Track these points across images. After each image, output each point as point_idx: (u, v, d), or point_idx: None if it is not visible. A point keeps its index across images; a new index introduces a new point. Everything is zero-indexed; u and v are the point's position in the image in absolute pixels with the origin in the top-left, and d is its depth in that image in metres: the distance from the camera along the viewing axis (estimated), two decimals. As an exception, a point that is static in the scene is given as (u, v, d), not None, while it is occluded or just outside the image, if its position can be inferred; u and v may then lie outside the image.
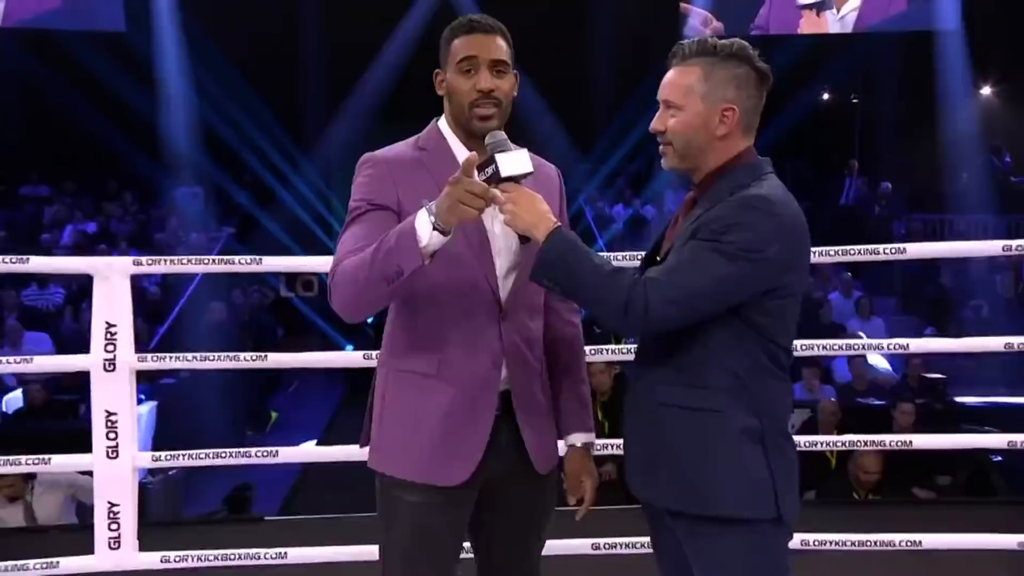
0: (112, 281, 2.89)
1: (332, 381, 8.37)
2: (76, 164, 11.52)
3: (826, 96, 13.89)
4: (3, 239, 9.40)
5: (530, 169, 1.59)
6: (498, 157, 1.57)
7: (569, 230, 1.64)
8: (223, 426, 6.83)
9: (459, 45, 1.72)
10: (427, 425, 1.68)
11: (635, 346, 1.75)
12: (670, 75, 1.63)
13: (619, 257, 2.75)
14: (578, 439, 1.87)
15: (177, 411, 6.48)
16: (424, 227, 1.55)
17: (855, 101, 13.55)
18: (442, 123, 1.78)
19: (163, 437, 5.89)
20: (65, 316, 8.37)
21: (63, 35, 9.75)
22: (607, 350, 3.13)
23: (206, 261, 2.98)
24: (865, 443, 3.30)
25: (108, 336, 2.90)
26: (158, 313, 8.34)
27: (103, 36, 9.77)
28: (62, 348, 7.19)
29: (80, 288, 8.51)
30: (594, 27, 11.79)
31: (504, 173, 1.56)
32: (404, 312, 1.73)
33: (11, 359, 3.01)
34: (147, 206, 11.06)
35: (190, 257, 3.01)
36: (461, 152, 1.73)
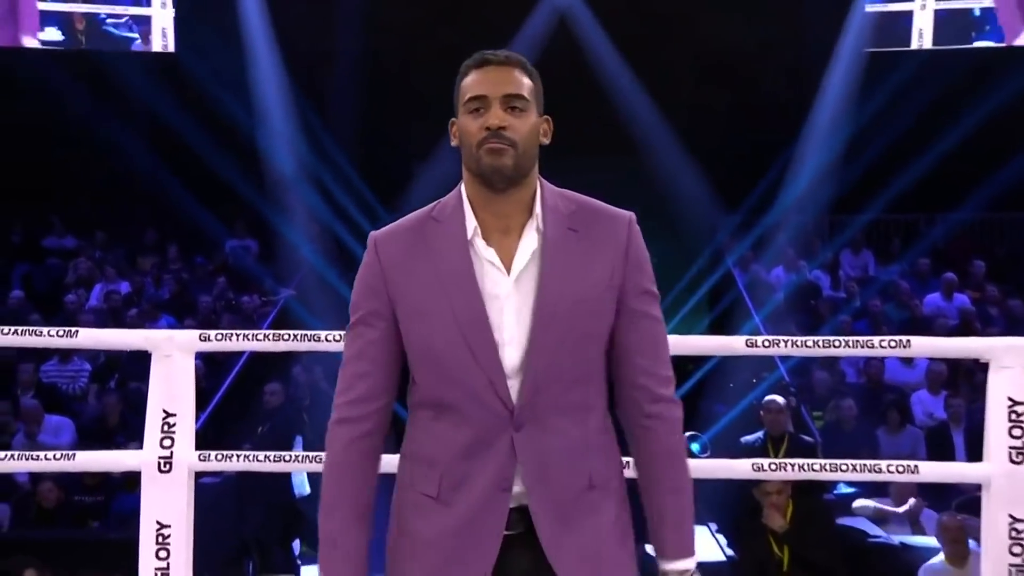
0: (174, 360, 2.97)
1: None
2: (108, 207, 12.09)
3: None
4: (20, 300, 9.83)
5: None
6: None
7: None
8: (273, 538, 6.83)
9: (468, 83, 1.87)
10: (426, 554, 1.84)
11: None
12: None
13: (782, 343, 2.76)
14: (669, 569, 1.89)
15: (218, 523, 6.49)
16: None
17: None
18: (462, 187, 1.92)
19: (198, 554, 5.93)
20: (89, 397, 8.66)
21: (104, 53, 10.43)
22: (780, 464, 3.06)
23: (286, 337, 3.02)
24: None
25: (165, 428, 2.98)
26: (199, 394, 8.55)
27: (155, 57, 10.41)
28: (82, 436, 7.39)
29: (107, 363, 8.82)
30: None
31: None
32: (412, 419, 1.92)
33: (50, 454, 3.11)
34: (190, 262, 11.48)
35: (268, 332, 3.07)
36: (470, 218, 1.86)
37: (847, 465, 3.09)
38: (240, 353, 9.04)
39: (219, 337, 3.05)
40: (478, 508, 1.80)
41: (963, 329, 8.88)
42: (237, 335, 3.03)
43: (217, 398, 8.51)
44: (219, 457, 3.05)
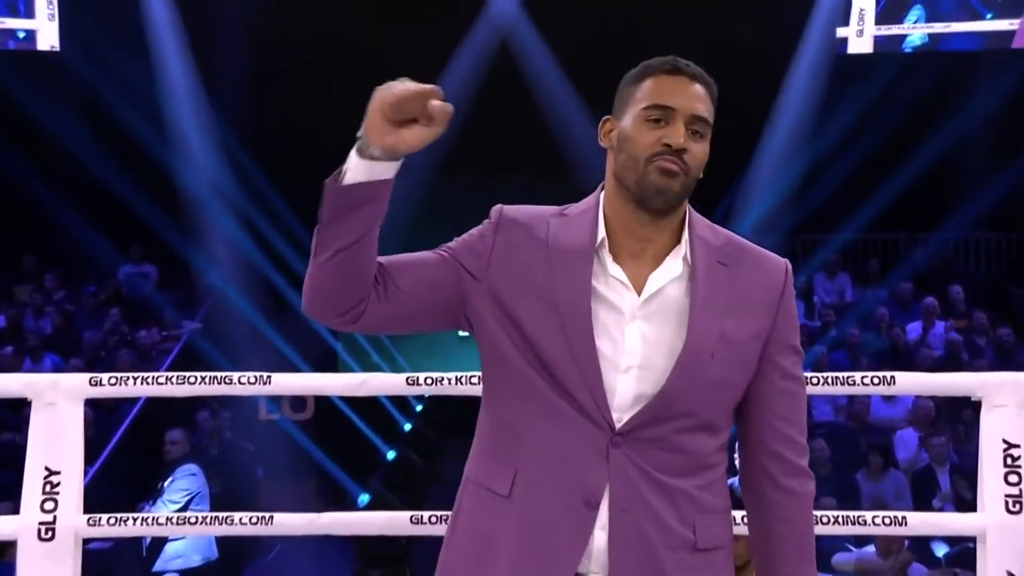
0: (58, 409, 2.90)
1: (335, 548, 8.23)
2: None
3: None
4: None
5: None
6: None
7: None
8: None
9: (652, 88, 1.87)
10: (495, 558, 1.82)
11: None
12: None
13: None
14: None
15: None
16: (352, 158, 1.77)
17: None
18: (601, 195, 1.94)
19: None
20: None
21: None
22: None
23: (191, 380, 2.96)
24: None
25: (47, 489, 2.90)
26: (88, 445, 8.38)
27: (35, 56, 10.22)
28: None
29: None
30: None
31: None
32: (490, 408, 1.92)
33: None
34: (76, 292, 11.28)
35: (170, 374, 3.00)
36: (600, 228, 1.88)
37: (828, 517, 3.10)
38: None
39: (112, 381, 2.97)
40: (557, 516, 1.79)
41: (949, 361, 9.05)
42: (134, 379, 2.96)
43: (108, 449, 8.36)
44: (111, 521, 2.97)
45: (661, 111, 1.84)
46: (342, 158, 1.79)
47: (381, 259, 1.86)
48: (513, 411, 1.85)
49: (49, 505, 2.86)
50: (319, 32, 11.03)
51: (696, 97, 1.85)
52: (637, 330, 1.83)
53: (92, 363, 9.46)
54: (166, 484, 7.48)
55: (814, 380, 3.36)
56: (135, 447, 8.45)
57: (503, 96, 10.73)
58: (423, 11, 11.05)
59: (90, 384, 2.94)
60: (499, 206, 1.95)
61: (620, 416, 1.80)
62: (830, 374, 3.20)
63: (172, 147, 11.15)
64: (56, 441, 2.88)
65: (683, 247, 1.88)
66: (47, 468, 2.87)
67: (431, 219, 8.74)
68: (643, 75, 1.88)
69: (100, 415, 8.59)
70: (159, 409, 8.51)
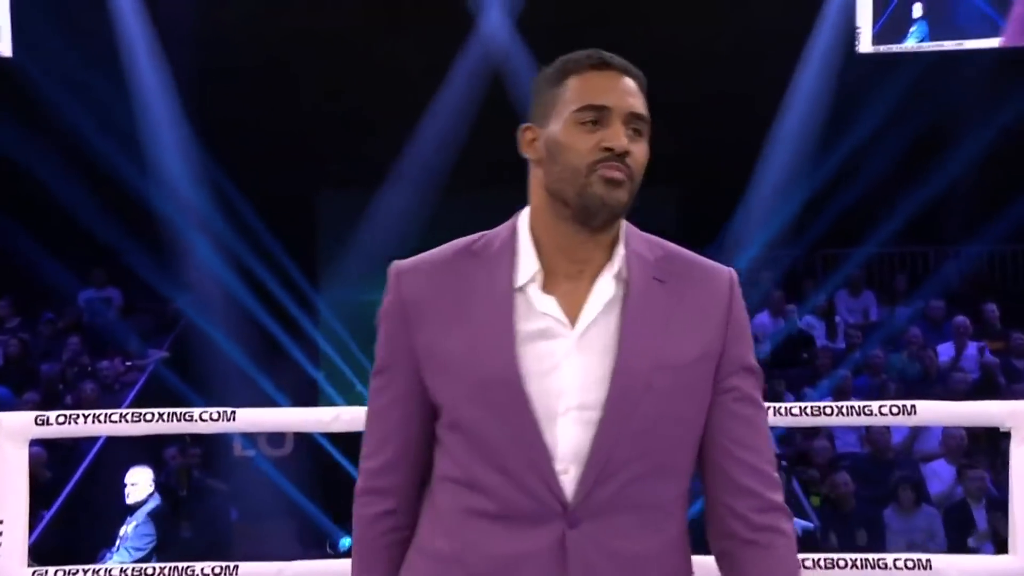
0: (2, 450, 2.88)
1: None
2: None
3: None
4: None
5: None
6: None
7: None
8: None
9: (579, 86, 1.80)
10: None
11: None
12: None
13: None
14: None
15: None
16: None
17: None
18: (522, 217, 1.87)
19: None
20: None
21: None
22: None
23: (149, 417, 2.94)
24: None
25: (-11, 538, 2.87)
26: (44, 487, 8.35)
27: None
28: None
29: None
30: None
31: None
32: (432, 498, 1.87)
33: None
34: (32, 319, 11.25)
35: (125, 412, 2.99)
36: (528, 256, 1.81)
37: (844, 560, 3.09)
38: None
39: (61, 419, 2.96)
40: None
41: (985, 385, 9.01)
42: (84, 416, 2.95)
43: (66, 492, 8.33)
44: (59, 574, 2.95)
45: (595, 112, 1.77)
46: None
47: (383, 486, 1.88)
48: (459, 504, 1.80)
49: (-9, 557, 2.83)
50: (289, 33, 11.10)
51: (630, 92, 1.80)
52: (576, 373, 1.76)
53: (49, 397, 9.44)
54: (128, 530, 7.46)
55: (828, 410, 3.36)
56: (95, 488, 8.42)
57: (504, 109, 10.81)
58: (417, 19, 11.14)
59: (36, 423, 2.92)
60: (393, 267, 1.89)
61: (572, 491, 1.74)
62: (846, 403, 3.20)
63: (137, 162, 11.14)
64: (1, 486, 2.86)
65: (616, 264, 1.82)
66: (-11, 516, 2.85)
67: (438, 235, 8.74)
68: (565, 73, 1.81)
69: (58, 453, 8.56)
70: (122, 446, 8.47)
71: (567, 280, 1.81)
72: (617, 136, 1.75)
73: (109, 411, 3.06)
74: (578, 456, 1.74)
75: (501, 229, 1.87)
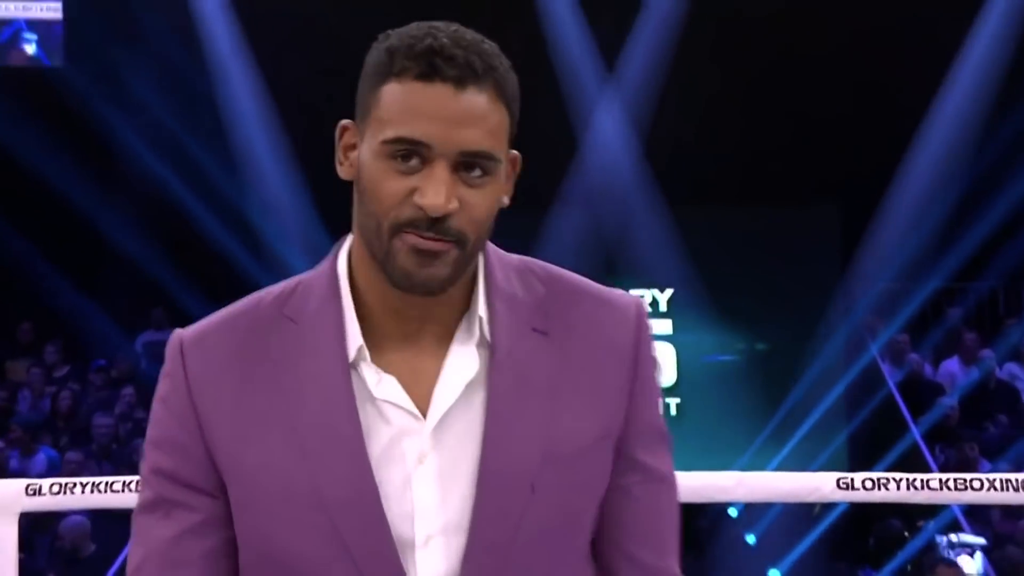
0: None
1: None
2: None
3: None
4: None
5: None
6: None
7: None
8: None
9: (396, 100, 1.49)
10: None
11: None
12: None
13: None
14: None
15: None
16: None
17: None
18: (342, 257, 1.61)
19: None
20: None
21: None
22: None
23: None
24: None
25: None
26: (89, 563, 8.49)
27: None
28: None
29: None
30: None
31: None
32: None
33: None
34: (82, 366, 11.50)
35: (133, 479, 3.01)
36: (352, 324, 1.55)
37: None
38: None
39: (56, 489, 2.97)
40: None
41: None
42: (83, 486, 2.96)
43: (113, 570, 8.45)
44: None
45: (410, 145, 1.45)
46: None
47: None
48: None
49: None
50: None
51: (468, 118, 1.46)
52: (433, 480, 1.53)
53: (101, 456, 9.62)
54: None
55: (1007, 484, 3.26)
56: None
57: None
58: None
59: (27, 494, 2.93)
60: (175, 338, 1.62)
61: None
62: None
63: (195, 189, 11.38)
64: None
65: (474, 324, 1.56)
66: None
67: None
68: (388, 68, 1.48)
69: (104, 522, 8.70)
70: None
71: (405, 342, 1.57)
72: (436, 193, 1.44)
73: (110, 479, 3.06)
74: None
75: (318, 275, 1.61)
